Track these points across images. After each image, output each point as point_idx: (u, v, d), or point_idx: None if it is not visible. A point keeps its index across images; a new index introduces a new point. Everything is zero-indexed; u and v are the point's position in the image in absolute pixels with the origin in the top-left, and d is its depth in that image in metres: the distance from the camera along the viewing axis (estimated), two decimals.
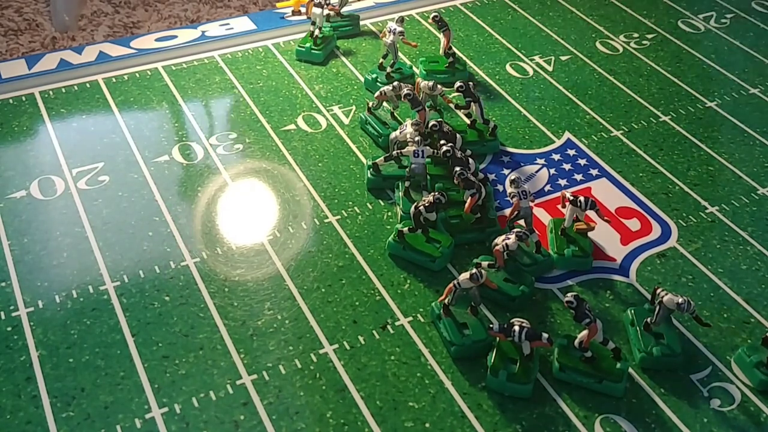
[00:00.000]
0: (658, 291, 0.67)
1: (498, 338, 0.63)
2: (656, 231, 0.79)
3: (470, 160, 0.78)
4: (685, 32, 1.11)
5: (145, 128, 0.88)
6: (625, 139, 0.91)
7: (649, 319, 0.67)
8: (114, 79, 0.95)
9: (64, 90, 0.93)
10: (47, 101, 0.91)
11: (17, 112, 0.89)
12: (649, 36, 1.10)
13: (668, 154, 0.89)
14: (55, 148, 0.85)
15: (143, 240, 0.75)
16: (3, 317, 0.67)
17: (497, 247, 0.70)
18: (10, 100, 0.91)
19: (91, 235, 0.75)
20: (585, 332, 0.63)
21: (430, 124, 0.82)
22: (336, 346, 0.66)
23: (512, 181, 0.75)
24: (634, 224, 0.80)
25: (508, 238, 0.70)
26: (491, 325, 0.63)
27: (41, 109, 0.90)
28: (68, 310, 0.68)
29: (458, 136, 0.82)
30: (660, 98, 0.98)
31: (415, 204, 0.73)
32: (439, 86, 0.87)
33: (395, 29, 0.94)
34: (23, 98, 0.91)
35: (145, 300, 0.69)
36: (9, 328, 0.66)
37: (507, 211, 0.78)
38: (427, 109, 0.84)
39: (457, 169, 0.75)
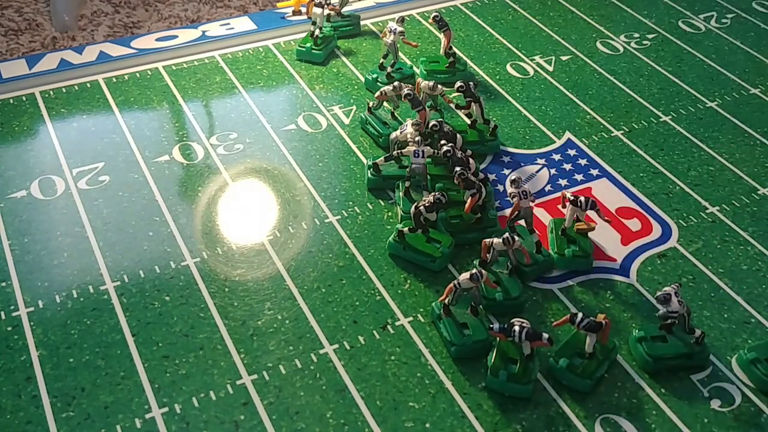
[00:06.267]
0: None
1: (498, 338, 0.63)
2: (657, 231, 0.79)
3: (471, 160, 0.78)
4: (685, 32, 1.11)
5: (145, 128, 0.88)
6: (625, 139, 0.91)
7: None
8: (114, 79, 0.95)
9: (64, 90, 0.93)
10: (48, 101, 0.91)
11: (18, 112, 0.89)
12: (650, 36, 1.10)
13: (669, 155, 0.89)
14: (55, 148, 0.85)
15: (144, 240, 0.75)
16: (3, 317, 0.67)
17: (485, 240, 0.70)
18: (11, 100, 0.91)
19: (92, 235, 0.75)
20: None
21: (431, 124, 0.82)
22: (336, 346, 0.66)
23: (513, 181, 0.75)
24: (634, 224, 0.80)
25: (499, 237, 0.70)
26: (492, 325, 0.63)
27: (42, 109, 0.90)
28: (68, 310, 0.68)
29: (458, 136, 0.82)
30: (660, 98, 0.98)
31: (416, 204, 0.73)
32: (439, 86, 0.87)
33: (396, 29, 0.94)
34: (24, 98, 0.91)
35: (145, 300, 0.69)
36: (9, 328, 0.66)
37: (507, 211, 0.78)
38: (427, 109, 0.84)
39: (458, 169, 0.75)
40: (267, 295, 0.70)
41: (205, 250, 0.74)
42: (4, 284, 0.70)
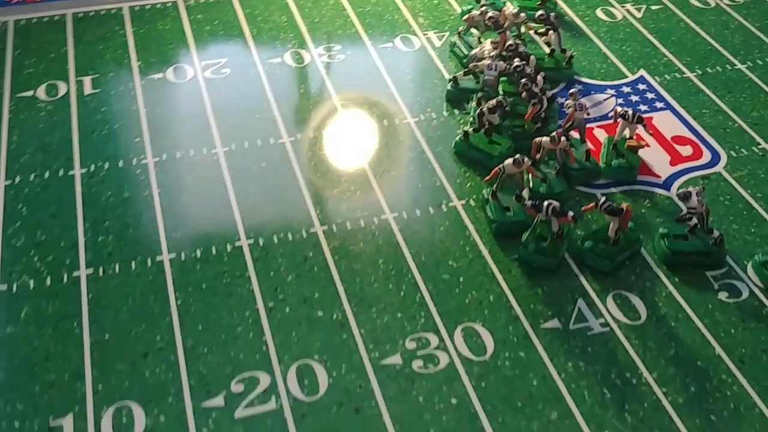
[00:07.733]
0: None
1: (530, 214, 0.73)
2: (706, 157, 0.86)
3: (539, 77, 0.87)
4: None
5: (265, 36, 1.02)
6: (696, 81, 0.97)
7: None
8: None
9: (202, 0, 1.09)
10: (189, 9, 1.07)
11: (162, 15, 1.06)
12: None
13: (735, 96, 0.94)
14: (188, 44, 1.00)
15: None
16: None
17: (535, 139, 0.79)
18: (158, 5, 1.08)
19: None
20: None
21: (507, 44, 0.91)
22: (395, 214, 0.78)
23: (571, 94, 0.83)
24: (686, 150, 0.87)
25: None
26: (527, 202, 0.73)
27: (181, 14, 1.06)
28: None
29: (532, 57, 0.91)
30: (740, 49, 1.02)
31: (481, 107, 0.83)
32: (522, 14, 0.96)
33: None
34: (168, 5, 1.08)
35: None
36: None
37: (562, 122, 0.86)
38: (508, 33, 0.94)
39: (523, 80, 0.84)
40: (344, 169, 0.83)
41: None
42: (137, 139, 0.86)
